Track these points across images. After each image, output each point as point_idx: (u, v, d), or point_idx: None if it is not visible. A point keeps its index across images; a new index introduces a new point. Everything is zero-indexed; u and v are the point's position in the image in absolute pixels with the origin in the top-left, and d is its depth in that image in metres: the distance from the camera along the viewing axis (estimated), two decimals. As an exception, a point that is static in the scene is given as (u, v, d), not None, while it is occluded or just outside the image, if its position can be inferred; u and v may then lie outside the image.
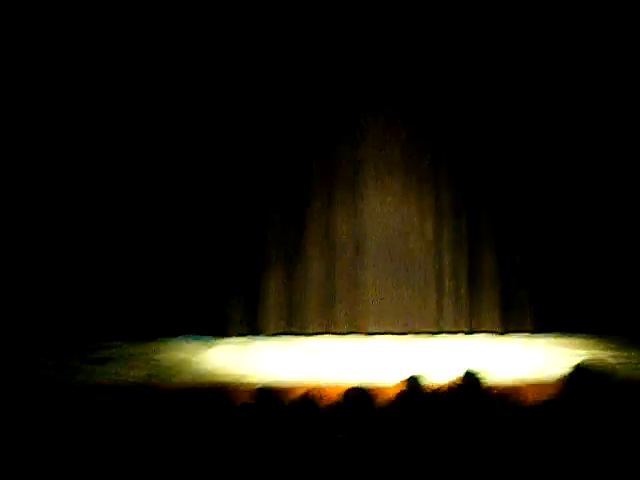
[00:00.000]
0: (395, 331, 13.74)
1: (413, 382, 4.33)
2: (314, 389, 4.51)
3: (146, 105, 13.43)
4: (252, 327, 13.81)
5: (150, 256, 13.47)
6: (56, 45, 13.07)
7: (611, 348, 12.21)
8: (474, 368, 4.14)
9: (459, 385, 4.00)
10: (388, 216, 14.00)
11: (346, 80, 13.83)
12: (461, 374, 4.03)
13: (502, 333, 13.74)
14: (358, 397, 3.93)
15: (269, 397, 4.35)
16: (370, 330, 13.77)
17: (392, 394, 4.31)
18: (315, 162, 13.96)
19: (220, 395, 4.31)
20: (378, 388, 4.20)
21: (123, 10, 13.21)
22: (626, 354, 11.80)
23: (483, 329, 13.86)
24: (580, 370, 3.66)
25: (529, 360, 11.56)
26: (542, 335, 13.51)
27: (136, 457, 3.52)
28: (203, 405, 4.16)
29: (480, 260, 14.03)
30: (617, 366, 9.89)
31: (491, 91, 13.84)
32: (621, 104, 13.44)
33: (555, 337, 13.30)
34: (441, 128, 13.91)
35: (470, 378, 4.03)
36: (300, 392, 5.16)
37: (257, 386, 5.01)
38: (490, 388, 4.33)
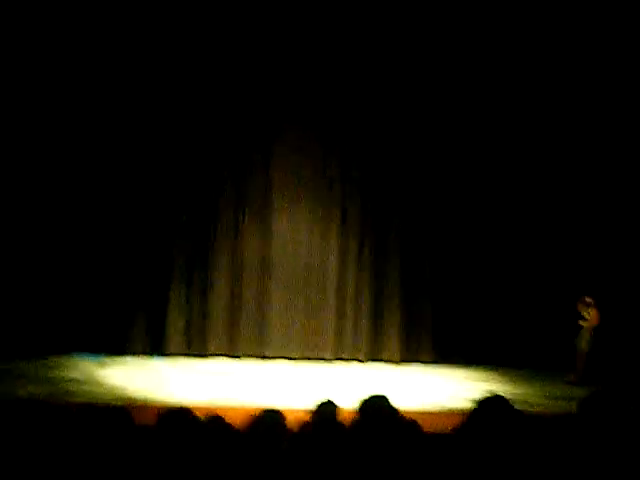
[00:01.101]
0: (294, 356, 13.78)
1: (322, 407, 4.32)
2: (221, 410, 4.45)
3: None
4: (151, 346, 13.63)
5: (40, 273, 13.18)
6: None
7: (510, 382, 12.47)
8: (379, 394, 4.14)
9: (366, 410, 3.98)
10: (295, 241, 14.08)
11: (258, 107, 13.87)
12: (367, 399, 4.02)
13: (400, 362, 13.92)
14: (270, 420, 3.90)
15: (174, 417, 4.25)
16: (269, 354, 13.77)
17: (301, 419, 4.28)
18: (228, 185, 13.96)
19: (123, 413, 4.20)
20: (288, 412, 4.18)
21: None
22: (525, 388, 12.08)
23: (382, 357, 14.01)
24: (486, 402, 3.70)
25: (430, 390, 11.68)
26: (440, 365, 13.74)
27: (35, 473, 3.41)
28: (104, 423, 4.05)
29: (383, 290, 14.20)
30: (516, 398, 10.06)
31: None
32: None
33: (454, 368, 13.55)
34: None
35: (376, 404, 4.02)
36: (206, 413, 5.09)
37: (160, 406, 4.90)
38: (398, 414, 4.36)
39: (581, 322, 13.25)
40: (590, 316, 13.23)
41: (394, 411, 3.81)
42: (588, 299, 13.30)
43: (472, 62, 13.80)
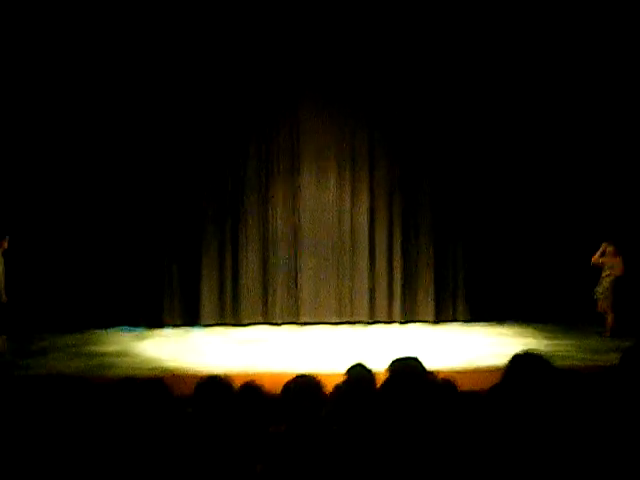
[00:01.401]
0: (330, 321, 13.82)
1: (356, 370, 4.33)
2: (256, 378, 4.47)
3: None
4: (187, 317, 13.75)
5: (79, 249, 13.36)
6: None
7: (545, 337, 12.44)
8: (409, 355, 4.12)
9: (395, 371, 3.97)
10: (324, 205, 14.07)
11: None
12: (396, 360, 4.00)
13: (435, 322, 13.92)
14: (304, 385, 3.91)
15: (210, 386, 4.28)
16: (304, 320, 13.84)
17: (336, 382, 4.30)
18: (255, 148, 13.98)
19: (159, 385, 4.23)
20: (324, 376, 4.19)
21: None
22: (559, 341, 12.04)
23: (417, 318, 14.02)
24: (521, 357, 3.68)
25: (465, 348, 11.68)
26: (475, 324, 13.72)
27: (77, 448, 3.45)
28: (142, 395, 4.08)
29: (415, 251, 14.16)
30: (553, 353, 10.03)
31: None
32: None
33: (488, 326, 13.52)
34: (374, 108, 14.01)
35: (405, 365, 4.01)
36: (242, 381, 5.12)
37: (197, 375, 4.93)
38: (433, 375, 4.35)
39: (604, 273, 12.65)
40: (613, 265, 12.61)
41: (424, 371, 3.80)
42: (609, 247, 12.67)
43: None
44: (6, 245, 12.24)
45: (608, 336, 12.43)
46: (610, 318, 12.65)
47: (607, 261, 12.67)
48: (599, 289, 12.69)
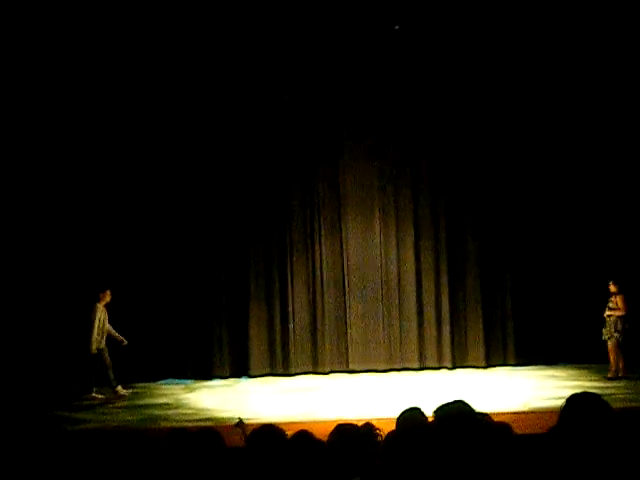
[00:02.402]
0: (380, 368, 13.74)
1: (408, 415, 4.29)
2: (308, 425, 4.46)
3: None
4: (236, 368, 13.77)
5: (130, 305, 13.46)
6: None
7: (599, 378, 12.23)
8: (464, 399, 4.07)
9: (447, 415, 3.92)
10: (370, 251, 14.06)
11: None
12: (443, 405, 3.95)
13: (486, 367, 13.75)
14: (361, 432, 3.89)
15: (262, 435, 4.27)
16: (353, 368, 13.77)
17: (390, 428, 4.26)
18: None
19: (213, 435, 4.24)
20: (375, 421, 4.17)
21: None
22: (613, 383, 11.83)
23: (467, 363, 13.86)
24: (578, 398, 3.62)
25: (518, 391, 11.52)
26: (526, 367, 13.53)
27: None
28: (195, 446, 4.09)
29: (463, 295, 14.04)
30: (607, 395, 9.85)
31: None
32: None
33: (538, 369, 13.34)
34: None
35: (457, 408, 3.95)
36: (294, 429, 5.09)
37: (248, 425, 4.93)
38: (486, 416, 4.30)
39: (608, 312, 12.30)
40: (618, 305, 12.25)
41: (472, 412, 3.75)
42: (613, 287, 12.35)
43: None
44: (109, 298, 12.42)
45: (610, 377, 12.11)
46: (612, 359, 12.27)
47: (611, 300, 12.40)
48: (604, 330, 12.37)
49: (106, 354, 12.18)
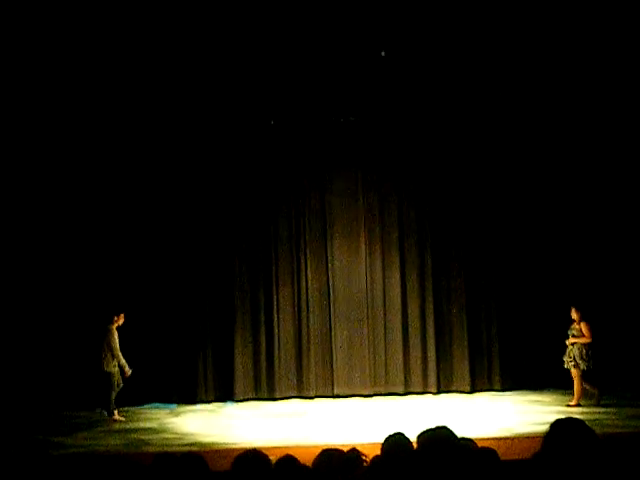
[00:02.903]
0: (365, 393, 13.73)
1: (394, 439, 4.29)
2: (293, 450, 4.45)
3: None
4: (221, 393, 13.72)
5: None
6: None
7: (584, 403, 12.24)
8: (447, 425, 4.09)
9: (429, 441, 3.94)
10: (356, 276, 14.08)
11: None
12: (424, 431, 3.98)
13: (470, 392, 13.75)
14: (347, 457, 3.88)
15: (247, 460, 4.27)
16: (338, 393, 13.75)
17: (374, 453, 4.27)
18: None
19: (197, 460, 4.23)
20: (359, 447, 4.17)
21: None
22: (598, 408, 11.85)
23: (453, 388, 13.87)
24: (562, 423, 3.63)
25: (503, 416, 11.52)
26: (512, 393, 13.54)
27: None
28: (179, 471, 4.09)
29: (448, 318, 14.07)
30: (592, 421, 9.87)
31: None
32: None
33: (523, 395, 13.35)
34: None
35: (440, 434, 3.98)
36: (279, 454, 5.08)
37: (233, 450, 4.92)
38: (470, 442, 4.31)
39: (571, 340, 12.19)
40: (583, 332, 12.15)
41: (455, 438, 3.77)
42: (575, 314, 12.27)
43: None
44: (121, 321, 12.48)
45: (573, 405, 12.05)
46: (577, 386, 12.19)
47: (574, 327, 12.34)
48: (566, 358, 12.30)
49: (117, 377, 12.26)
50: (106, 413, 12.21)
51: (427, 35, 13.08)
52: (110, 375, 12.19)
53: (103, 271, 13.52)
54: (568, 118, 13.76)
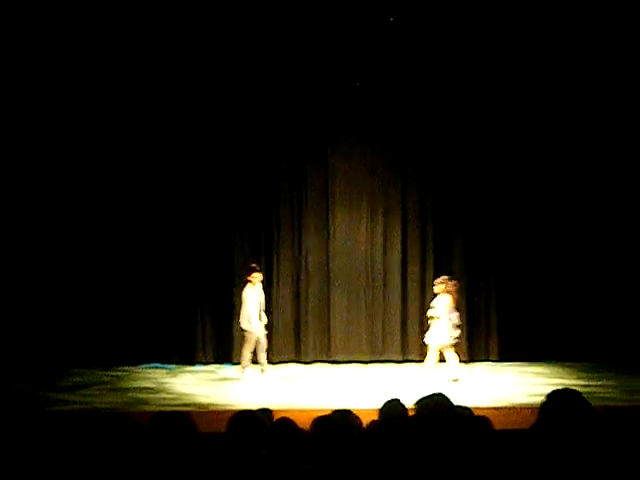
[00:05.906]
0: (362, 359, 13.76)
1: (391, 405, 4.30)
2: (290, 413, 4.46)
3: None
4: (219, 355, 13.76)
5: (114, 289, 13.48)
6: None
7: (582, 376, 12.25)
8: (444, 392, 4.08)
9: (426, 408, 3.92)
10: (356, 243, 14.05)
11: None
12: (423, 397, 3.96)
13: (468, 361, 13.77)
14: (339, 421, 3.88)
15: (242, 421, 4.26)
16: (336, 359, 13.78)
17: (370, 419, 4.28)
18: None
19: (186, 420, 4.22)
20: (357, 412, 4.17)
21: None
22: (596, 381, 11.87)
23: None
24: (558, 394, 3.62)
25: (500, 386, 11.55)
26: (509, 363, 13.56)
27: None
28: (175, 430, 4.07)
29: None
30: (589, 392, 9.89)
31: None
32: None
33: (521, 366, 13.37)
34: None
35: (436, 401, 3.96)
36: (275, 417, 5.09)
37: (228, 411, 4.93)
38: (465, 409, 4.31)
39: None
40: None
41: (451, 405, 3.76)
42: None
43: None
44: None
45: None
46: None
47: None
48: None
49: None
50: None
51: (436, 3, 13.03)
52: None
53: (105, 233, 13.50)
54: (572, 102, 13.73)
